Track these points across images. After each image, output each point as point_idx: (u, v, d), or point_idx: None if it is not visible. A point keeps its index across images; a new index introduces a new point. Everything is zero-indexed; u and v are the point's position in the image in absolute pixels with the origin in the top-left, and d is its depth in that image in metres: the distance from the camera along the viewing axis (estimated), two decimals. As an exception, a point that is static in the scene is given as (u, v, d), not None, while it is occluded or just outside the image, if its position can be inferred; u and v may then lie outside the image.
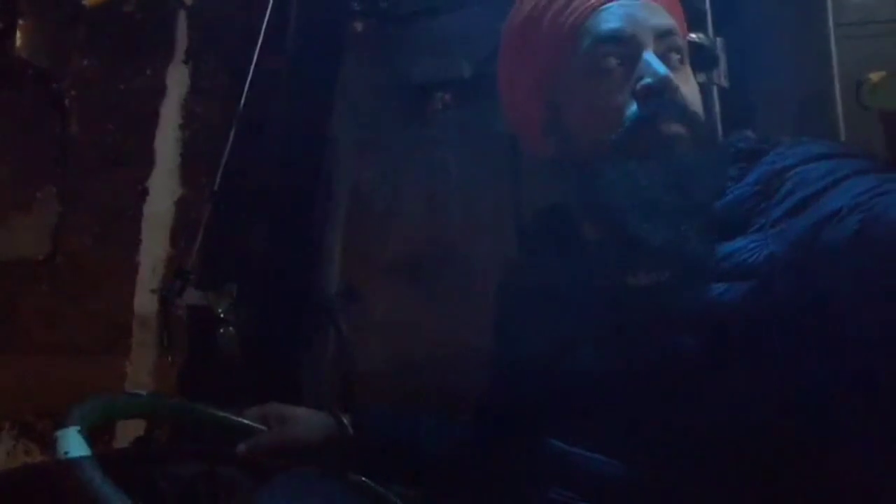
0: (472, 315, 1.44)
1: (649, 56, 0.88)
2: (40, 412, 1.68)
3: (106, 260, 1.78)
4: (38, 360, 1.71)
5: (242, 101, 1.57)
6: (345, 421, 1.07)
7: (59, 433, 0.71)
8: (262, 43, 1.61)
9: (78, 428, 0.71)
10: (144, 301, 1.76)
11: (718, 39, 1.35)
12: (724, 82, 1.34)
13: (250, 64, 1.58)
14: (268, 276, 1.70)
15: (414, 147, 1.76)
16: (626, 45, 0.90)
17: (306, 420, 1.07)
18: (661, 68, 0.87)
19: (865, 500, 0.76)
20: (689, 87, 0.91)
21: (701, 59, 1.04)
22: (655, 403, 0.81)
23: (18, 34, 1.78)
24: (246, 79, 1.58)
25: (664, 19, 0.92)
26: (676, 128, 0.87)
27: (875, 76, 1.17)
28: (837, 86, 1.24)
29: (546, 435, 0.90)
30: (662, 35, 0.90)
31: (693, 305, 0.82)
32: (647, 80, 0.87)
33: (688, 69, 0.93)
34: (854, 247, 0.71)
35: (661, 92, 0.87)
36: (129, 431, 1.69)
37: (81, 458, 0.66)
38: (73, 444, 0.68)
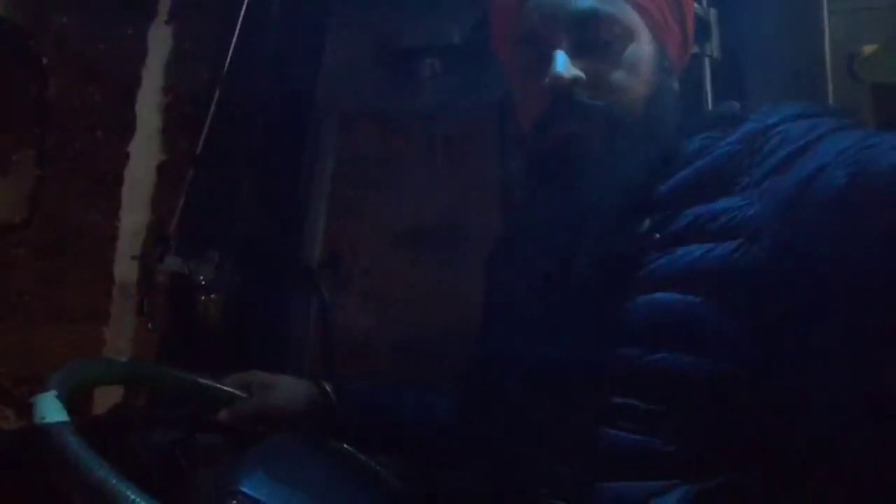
0: (459, 285, 1.44)
1: (557, 53, 0.87)
2: (17, 379, 1.66)
3: (85, 225, 1.75)
4: (14, 326, 1.69)
5: (227, 65, 1.54)
6: (328, 389, 1.06)
7: (36, 398, 0.69)
8: (248, 5, 1.58)
9: (55, 393, 0.70)
10: (125, 267, 1.74)
11: (712, 10, 1.33)
12: (717, 53, 1.33)
13: (235, 26, 1.55)
14: (251, 243, 1.69)
15: (401, 113, 1.74)
16: (539, 42, 0.89)
17: (289, 388, 1.06)
18: (557, 67, 0.86)
19: (860, 452, 0.77)
20: (615, 72, 0.88)
21: (694, 30, 1.03)
22: (645, 365, 0.81)
23: (-6, -11, 1.73)
24: (230, 41, 1.55)
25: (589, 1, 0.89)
26: (571, 127, 0.87)
27: (868, 49, 1.16)
28: (829, 58, 1.23)
29: (532, 404, 0.90)
30: (584, 20, 0.88)
31: (678, 265, 0.82)
32: (545, 80, 0.86)
33: (623, 52, 0.89)
34: (843, 199, 0.71)
35: (556, 92, 0.86)
36: (107, 399, 1.68)
37: (58, 422, 0.65)
38: (50, 408, 0.67)
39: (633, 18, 0.90)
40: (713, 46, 1.34)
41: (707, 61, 1.33)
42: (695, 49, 1.28)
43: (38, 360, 1.64)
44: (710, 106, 1.28)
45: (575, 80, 0.86)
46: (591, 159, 0.87)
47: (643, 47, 0.90)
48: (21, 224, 1.75)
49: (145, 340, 1.71)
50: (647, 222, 0.86)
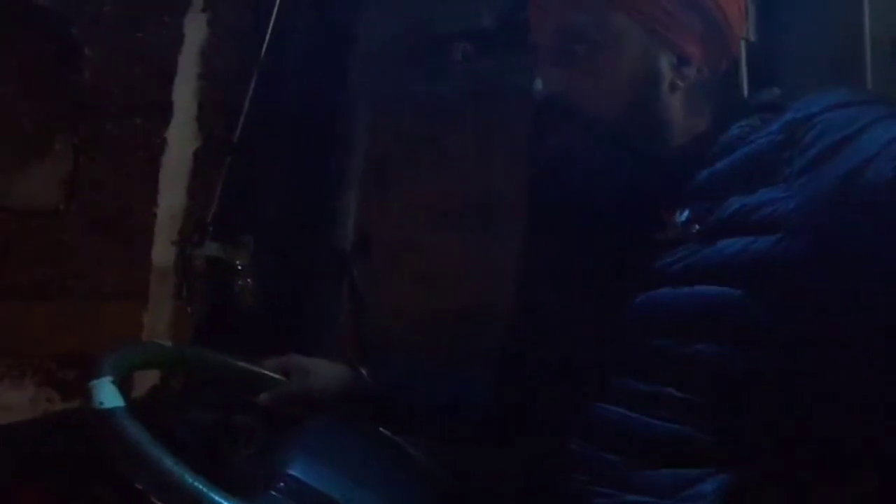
0: (493, 265, 1.44)
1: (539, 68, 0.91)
2: (60, 360, 1.69)
3: (124, 210, 1.78)
4: (56, 309, 1.72)
5: (263, 52, 1.55)
6: (363, 373, 1.08)
7: (92, 383, 0.72)
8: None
9: (111, 378, 0.72)
10: (162, 252, 1.76)
11: (748, -8, 1.31)
12: (752, 37, 1.31)
13: (270, 13, 1.56)
14: (285, 228, 1.70)
15: (435, 97, 1.74)
16: (535, 48, 0.93)
17: (326, 372, 1.08)
18: (537, 83, 0.90)
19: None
20: (593, 81, 0.90)
21: (744, 14, 1.01)
22: (682, 356, 0.82)
23: (34, -24, 1.75)
24: (266, 28, 1.55)
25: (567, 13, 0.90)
26: (555, 137, 0.92)
27: (914, 35, 1.14)
28: (868, 44, 1.21)
29: (568, 391, 0.91)
30: (561, 32, 0.90)
31: (719, 258, 0.82)
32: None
33: (603, 59, 0.89)
34: (892, 192, 0.70)
35: (538, 105, 0.91)
36: (145, 381, 1.70)
37: (117, 408, 0.67)
38: (108, 394, 0.69)
39: (617, 24, 0.89)
40: (749, 29, 1.32)
41: (743, 44, 1.31)
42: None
43: (80, 342, 1.67)
44: (745, 90, 1.27)
45: (553, 94, 0.90)
46: (586, 163, 0.91)
47: (627, 52, 0.89)
48: (61, 208, 1.78)
49: (183, 323, 1.74)
50: (685, 213, 0.86)
